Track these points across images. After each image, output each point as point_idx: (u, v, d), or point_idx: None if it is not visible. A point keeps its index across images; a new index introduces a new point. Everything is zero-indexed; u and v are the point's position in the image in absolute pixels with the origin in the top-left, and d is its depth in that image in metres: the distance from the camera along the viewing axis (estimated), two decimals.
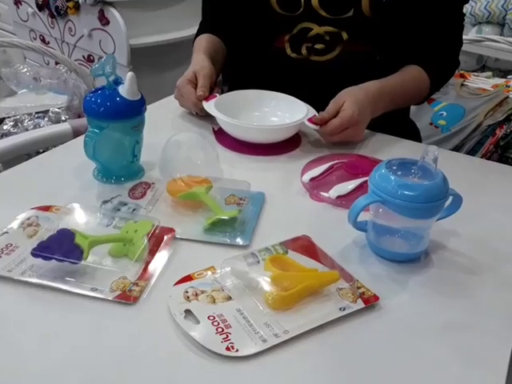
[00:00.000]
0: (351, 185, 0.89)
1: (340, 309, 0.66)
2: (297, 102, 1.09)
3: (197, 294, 0.66)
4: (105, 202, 0.84)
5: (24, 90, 1.44)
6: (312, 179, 0.92)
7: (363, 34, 1.12)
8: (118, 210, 0.82)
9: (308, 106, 1.08)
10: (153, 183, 0.89)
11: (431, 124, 1.53)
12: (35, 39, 2.93)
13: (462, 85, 1.64)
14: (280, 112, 1.11)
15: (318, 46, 1.14)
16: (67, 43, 2.69)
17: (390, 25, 1.10)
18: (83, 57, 2.67)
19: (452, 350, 0.64)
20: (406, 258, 0.76)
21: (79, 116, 1.31)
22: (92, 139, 0.84)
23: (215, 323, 0.62)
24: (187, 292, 0.67)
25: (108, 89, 0.84)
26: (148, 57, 2.50)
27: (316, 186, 0.91)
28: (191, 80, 1.11)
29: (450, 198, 0.75)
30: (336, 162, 0.96)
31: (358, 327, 0.65)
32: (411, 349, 0.63)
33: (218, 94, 1.09)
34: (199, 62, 1.14)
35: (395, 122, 1.18)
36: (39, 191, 0.86)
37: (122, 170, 0.90)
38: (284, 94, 1.11)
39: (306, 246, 0.76)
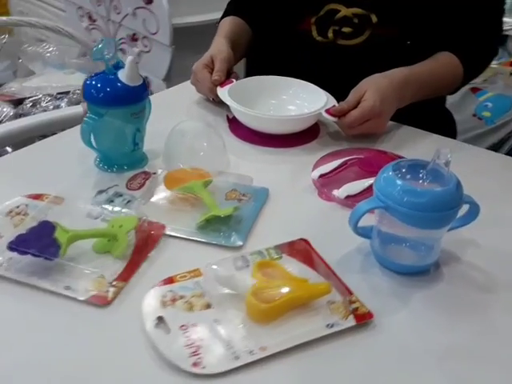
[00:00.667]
0: (363, 184, 0.82)
1: (327, 325, 0.60)
2: (317, 91, 1.02)
3: (174, 300, 0.62)
4: (100, 191, 0.80)
5: (51, 69, 1.42)
6: (322, 176, 0.85)
7: (393, 16, 1.03)
8: (112, 201, 0.78)
9: (328, 94, 1.00)
10: (154, 173, 0.85)
11: (474, 115, 1.41)
12: (83, 16, 2.94)
13: None
14: (299, 100, 1.04)
15: (346, 30, 1.06)
16: (112, 21, 2.68)
17: (422, 7, 1.00)
18: (128, 36, 2.66)
19: (451, 380, 0.57)
20: (413, 271, 0.69)
21: None
22: (89, 126, 0.80)
23: (187, 334, 0.58)
24: (165, 296, 0.62)
25: (108, 73, 0.80)
26: (191, 36, 2.45)
27: (326, 184, 0.85)
28: (208, 64, 1.05)
29: (466, 206, 0.67)
30: (351, 157, 0.88)
31: (346, 348, 0.59)
32: (404, 376, 0.57)
33: (234, 80, 1.04)
34: (217, 46, 1.09)
35: (427, 112, 1.09)
36: (37, 177, 0.84)
37: (123, 159, 0.86)
38: (304, 82, 1.04)
39: (303, 251, 0.70)
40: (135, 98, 0.81)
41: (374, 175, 0.82)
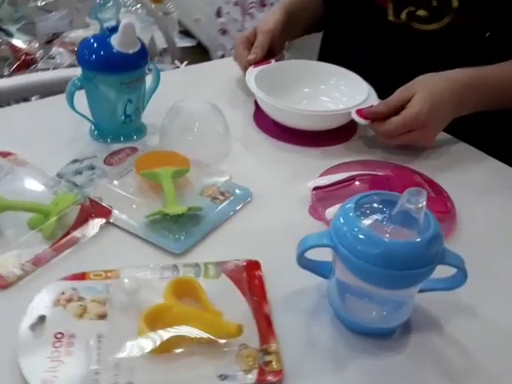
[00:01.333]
0: None
1: (219, 376, 0.49)
2: (360, 84, 0.86)
3: (70, 300, 0.55)
4: (75, 161, 0.75)
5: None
6: (317, 188, 0.72)
7: (477, 2, 0.84)
8: (80, 173, 0.72)
9: (371, 90, 0.85)
10: (140, 150, 0.77)
11: None
12: None
13: None
14: (337, 93, 0.90)
15: (421, 13, 0.89)
16: None
17: None
18: (258, 0, 2.59)
19: None
20: (370, 331, 0.55)
21: None
22: (75, 87, 0.74)
23: (57, 344, 0.50)
24: (63, 294, 0.55)
25: (102, 36, 0.73)
26: None
27: (322, 198, 0.71)
28: (249, 37, 0.94)
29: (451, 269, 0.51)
30: (365, 172, 0.74)
31: None
32: None
33: (273, 61, 0.92)
34: (267, 16, 0.97)
35: (495, 128, 0.89)
36: (24, 136, 0.80)
37: (115, 129, 0.80)
38: (349, 72, 0.89)
39: (248, 276, 0.59)
40: (126, 65, 0.74)
41: None
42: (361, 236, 0.48)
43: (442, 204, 0.71)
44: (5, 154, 0.73)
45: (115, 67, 0.73)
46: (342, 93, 0.89)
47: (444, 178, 0.76)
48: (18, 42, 1.46)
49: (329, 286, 0.57)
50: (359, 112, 0.80)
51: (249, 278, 0.59)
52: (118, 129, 0.79)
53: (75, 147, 0.78)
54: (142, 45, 0.75)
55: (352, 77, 0.88)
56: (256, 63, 0.91)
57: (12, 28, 1.50)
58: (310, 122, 0.83)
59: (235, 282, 0.58)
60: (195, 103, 0.80)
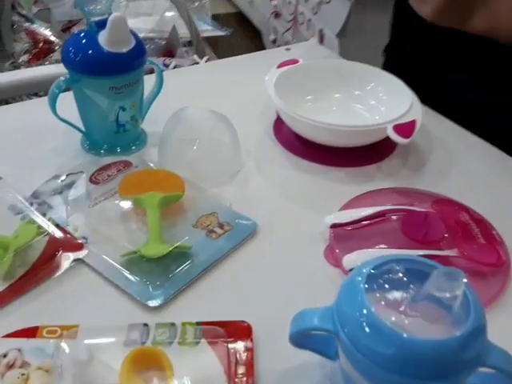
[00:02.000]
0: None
1: None
2: (403, 92, 0.72)
3: (11, 366, 0.45)
4: (56, 177, 0.64)
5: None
6: (336, 226, 0.58)
7: None
8: (59, 193, 0.62)
9: (416, 100, 0.70)
10: (134, 165, 0.66)
11: None
12: None
13: None
14: (374, 101, 0.76)
15: None
16: None
17: None
18: None
19: None
20: None
21: (163, 55, 1.10)
22: (59, 89, 0.63)
23: None
24: (5, 356, 0.45)
25: (89, 32, 0.62)
26: None
27: (341, 238, 0.58)
28: None
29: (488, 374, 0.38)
30: (396, 207, 0.60)
31: None
32: None
33: (301, 60, 0.78)
34: None
35: None
36: (1, 144, 0.71)
37: (108, 140, 0.69)
38: (391, 76, 0.75)
39: (235, 343, 0.47)
40: (116, 67, 0.62)
41: (419, 247, 0.55)
42: (368, 327, 0.35)
43: (493, 253, 0.56)
44: None
45: (103, 69, 0.62)
46: (380, 101, 0.75)
47: (500, 219, 0.61)
48: (38, 29, 1.38)
49: (333, 367, 0.44)
50: (398, 128, 0.66)
51: (236, 347, 0.47)
52: (111, 139, 0.68)
53: (60, 160, 0.68)
54: (138, 42, 0.64)
55: (394, 83, 0.74)
56: (281, 63, 0.78)
57: (30, 14, 1.42)
58: (336, 137, 0.69)
59: (215, 349, 0.47)
60: (199, 112, 0.68)
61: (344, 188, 0.66)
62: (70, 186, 0.63)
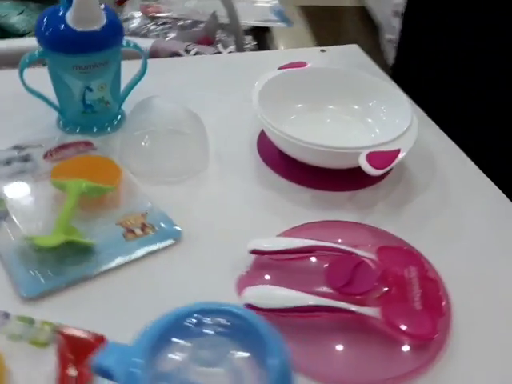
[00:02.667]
0: (292, 297, 0.47)
1: None
2: (405, 116, 0.62)
3: None
4: (15, 147, 0.64)
5: None
6: (258, 252, 0.52)
7: None
8: (8, 163, 0.62)
9: (415, 125, 0.61)
10: (93, 149, 0.64)
11: None
12: None
13: None
14: (371, 119, 0.67)
15: None
16: None
17: None
18: None
19: None
20: None
21: (199, 42, 1.06)
22: (29, 60, 0.62)
23: None
24: None
25: (59, 7, 0.61)
26: None
27: (260, 267, 0.52)
28: None
29: None
30: (333, 245, 0.52)
31: None
32: None
33: (309, 64, 0.71)
34: None
35: None
36: None
37: (77, 119, 0.67)
38: (402, 96, 0.65)
39: (82, 349, 0.44)
40: (80, 46, 0.60)
41: (336, 296, 0.48)
42: None
43: (424, 324, 0.47)
44: None
45: (66, 47, 0.60)
46: (377, 121, 0.66)
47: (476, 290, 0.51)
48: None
49: None
50: (373, 157, 0.58)
51: (82, 350, 0.43)
52: (80, 118, 0.67)
53: (31, 133, 0.67)
54: (110, 22, 0.61)
55: (400, 103, 0.64)
56: (285, 65, 0.72)
57: None
58: (304, 154, 0.61)
59: (62, 359, 0.43)
60: (168, 104, 0.64)
61: (302, 212, 0.59)
62: (22, 158, 0.63)
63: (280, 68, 0.71)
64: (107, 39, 0.61)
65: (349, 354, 0.46)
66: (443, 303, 0.49)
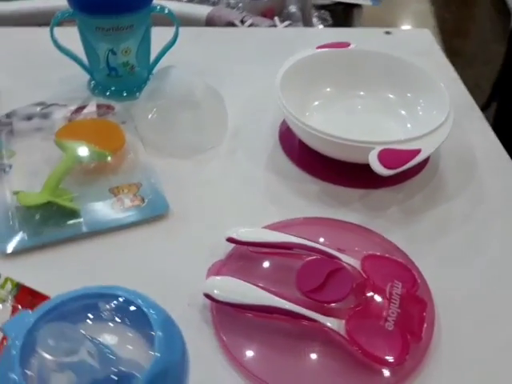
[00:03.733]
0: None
1: None
2: (443, 112, 0.56)
3: None
4: (40, 103, 0.65)
5: None
6: (233, 241, 0.49)
7: None
8: (29, 119, 0.63)
9: (447, 123, 0.54)
10: (113, 114, 0.64)
11: None
12: None
13: None
14: (405, 111, 0.61)
15: None
16: None
17: None
18: None
19: None
20: None
21: (263, 14, 0.99)
22: (61, 15, 0.62)
23: None
24: None
25: None
26: None
27: (234, 257, 0.49)
28: None
29: None
30: (315, 245, 0.47)
31: None
32: None
33: (353, 45, 0.66)
34: None
35: None
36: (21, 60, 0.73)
37: (103, 82, 0.67)
38: (443, 89, 0.58)
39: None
40: (102, 7, 0.59)
41: (300, 300, 0.44)
42: None
43: (393, 347, 0.41)
44: None
45: (88, 7, 0.60)
46: (411, 112, 0.60)
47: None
48: None
49: None
50: (386, 154, 0.52)
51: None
52: (105, 81, 0.67)
53: (59, 90, 0.68)
54: None
55: (442, 96, 0.58)
56: (324, 44, 0.67)
57: None
58: (313, 141, 0.57)
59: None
60: (185, 76, 0.62)
61: (305, 205, 0.55)
62: (44, 115, 0.64)
63: (318, 47, 0.66)
64: (130, 2, 0.60)
65: (304, 364, 0.43)
66: (423, 327, 0.43)
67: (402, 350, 0.41)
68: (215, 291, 0.44)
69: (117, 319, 0.31)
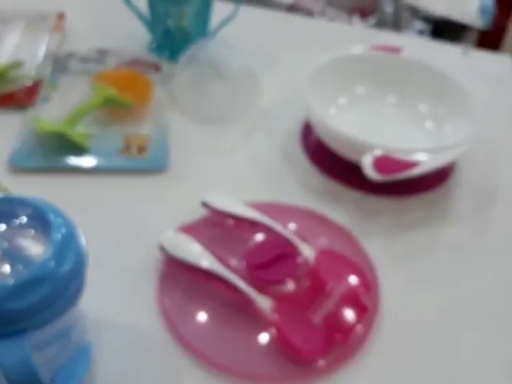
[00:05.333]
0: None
1: None
2: (464, 134, 0.53)
3: None
4: (99, 51, 0.70)
5: None
6: (206, 205, 0.50)
7: None
8: (85, 61, 0.69)
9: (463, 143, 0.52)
10: (160, 72, 0.67)
11: None
12: None
13: None
14: (431, 124, 0.59)
15: None
16: None
17: None
18: None
19: None
20: None
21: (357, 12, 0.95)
22: None
23: None
24: None
25: None
26: None
27: (205, 222, 0.50)
28: None
29: None
30: (279, 229, 0.48)
31: None
32: None
33: (400, 50, 0.64)
34: None
35: None
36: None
37: (159, 40, 0.71)
38: (474, 111, 0.56)
39: None
40: None
41: (237, 269, 0.46)
42: None
43: (315, 340, 0.41)
44: None
45: None
46: (438, 128, 0.58)
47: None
48: None
49: None
50: (382, 161, 0.50)
51: None
52: (161, 40, 0.70)
53: (121, 43, 0.73)
54: None
55: (471, 119, 0.55)
56: (376, 46, 0.66)
57: None
58: (322, 134, 0.57)
59: None
60: (225, 49, 0.64)
61: (299, 195, 0.55)
62: (98, 61, 0.69)
63: (373, 46, 0.65)
64: None
65: (233, 336, 0.43)
66: (351, 332, 0.42)
67: (318, 347, 0.41)
68: (167, 244, 0.46)
69: (23, 222, 0.34)
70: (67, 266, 0.33)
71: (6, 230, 0.34)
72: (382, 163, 0.50)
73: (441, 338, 0.44)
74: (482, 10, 1.27)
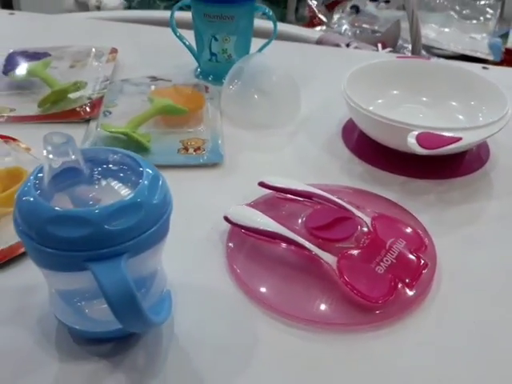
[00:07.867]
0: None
1: None
2: (501, 114, 0.58)
3: None
4: (151, 77, 0.77)
5: None
6: (265, 185, 0.54)
7: None
8: (137, 85, 0.75)
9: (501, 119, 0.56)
10: (208, 92, 0.73)
11: None
12: None
13: None
14: (463, 116, 0.63)
15: None
16: None
17: None
18: None
19: None
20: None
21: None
22: (182, 4, 0.75)
23: None
24: None
25: None
26: None
27: (263, 200, 0.54)
28: None
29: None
30: (332, 198, 0.51)
31: None
32: None
33: (433, 59, 0.70)
34: None
35: None
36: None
37: (203, 66, 0.77)
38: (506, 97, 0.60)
39: None
40: None
41: (303, 232, 0.49)
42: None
43: (379, 287, 0.43)
44: None
45: None
46: (471, 118, 0.62)
47: None
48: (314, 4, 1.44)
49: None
50: (423, 136, 0.54)
51: None
52: (205, 66, 0.77)
53: (170, 71, 0.79)
54: None
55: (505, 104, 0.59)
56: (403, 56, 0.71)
57: None
58: (361, 122, 0.61)
59: None
60: (267, 62, 0.70)
61: (345, 181, 0.59)
62: (150, 85, 0.75)
63: (399, 57, 0.71)
64: None
65: (299, 290, 0.45)
66: (418, 281, 0.44)
67: (387, 292, 0.43)
68: (231, 215, 0.50)
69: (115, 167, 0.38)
70: (159, 197, 0.36)
71: (103, 170, 0.38)
72: (426, 139, 0.54)
73: (497, 291, 0.46)
74: (491, 46, 1.35)
